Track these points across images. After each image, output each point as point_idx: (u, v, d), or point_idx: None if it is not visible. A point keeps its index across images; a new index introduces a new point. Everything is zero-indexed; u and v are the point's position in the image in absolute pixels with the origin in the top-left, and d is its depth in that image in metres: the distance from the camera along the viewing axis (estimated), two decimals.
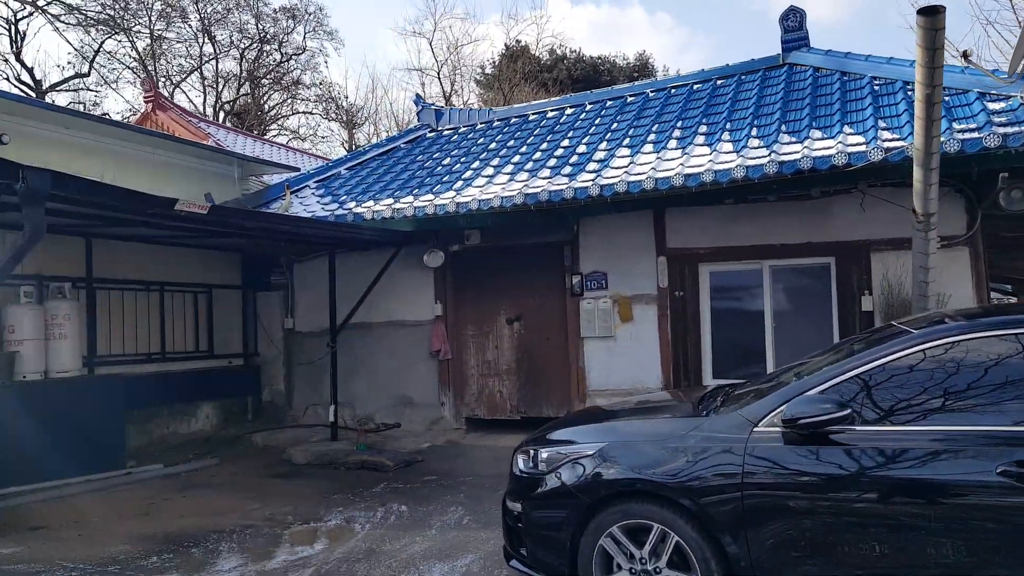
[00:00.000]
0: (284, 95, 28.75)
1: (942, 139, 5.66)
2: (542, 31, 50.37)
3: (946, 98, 6.75)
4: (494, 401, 9.34)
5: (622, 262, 8.35)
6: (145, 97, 15.51)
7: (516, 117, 10.86)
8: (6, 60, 22.78)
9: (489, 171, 8.96)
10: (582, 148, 8.68)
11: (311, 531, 5.59)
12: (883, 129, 6.62)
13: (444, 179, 9.18)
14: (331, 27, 31.55)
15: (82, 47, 23.89)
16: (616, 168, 7.71)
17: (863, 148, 6.35)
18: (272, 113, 28.61)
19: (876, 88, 7.62)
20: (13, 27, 21.88)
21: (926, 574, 2.98)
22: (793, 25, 9.10)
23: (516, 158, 9.14)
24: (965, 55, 6.69)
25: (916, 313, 6.22)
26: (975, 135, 6.02)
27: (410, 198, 8.80)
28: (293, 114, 29.46)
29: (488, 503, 6.13)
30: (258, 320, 10.89)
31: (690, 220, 7.99)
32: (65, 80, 23.98)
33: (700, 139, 7.76)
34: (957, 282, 6.79)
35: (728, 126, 7.85)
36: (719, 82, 9.40)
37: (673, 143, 7.89)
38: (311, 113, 29.65)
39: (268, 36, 27.07)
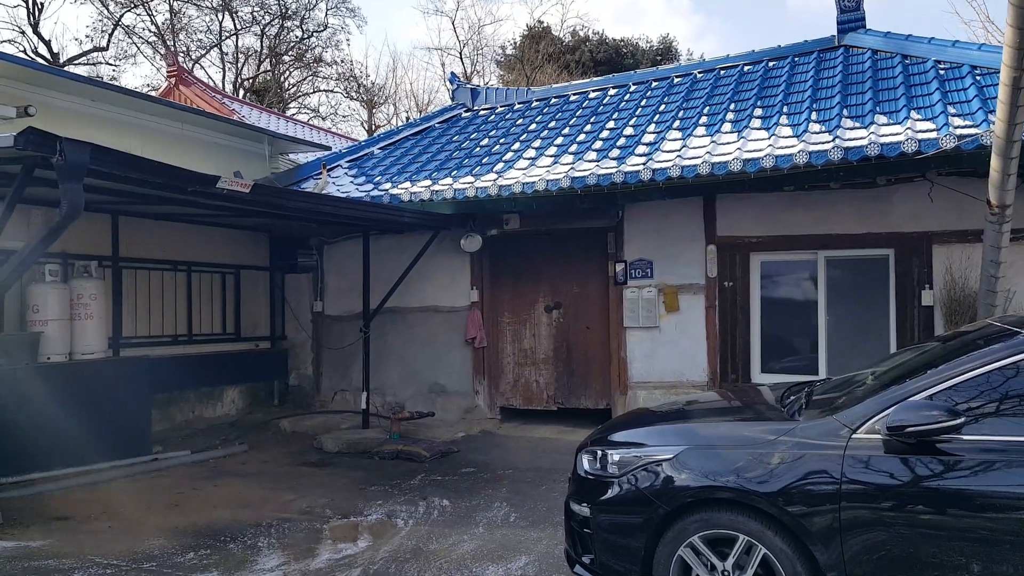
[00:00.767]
0: (305, 72, 28.45)
1: None
2: (567, 11, 49.80)
3: None
4: (530, 391, 9.07)
5: (669, 250, 8.02)
6: (168, 72, 15.24)
7: (556, 98, 10.49)
8: (23, 32, 22.60)
9: (531, 153, 8.63)
10: (629, 131, 8.32)
11: (352, 526, 5.35)
12: (953, 115, 6.24)
13: (484, 161, 8.86)
14: (353, 4, 31.18)
15: (101, 20, 23.67)
16: (668, 152, 7.36)
17: (934, 135, 5.98)
18: (292, 91, 28.32)
19: (941, 72, 7.21)
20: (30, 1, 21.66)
21: None
22: (850, 5, 8.67)
23: (559, 140, 8.80)
24: None
25: (982, 309, 5.90)
26: None
27: (449, 180, 8.49)
28: (314, 92, 29.18)
29: (533, 499, 5.88)
30: (286, 303, 10.67)
31: (742, 207, 7.64)
32: (83, 54, 23.80)
33: (756, 123, 7.38)
34: (1020, 276, 6.41)
35: (785, 109, 7.47)
36: (771, 64, 8.99)
37: (727, 127, 7.52)
38: (332, 91, 29.36)
39: (290, 12, 26.72)
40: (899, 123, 6.41)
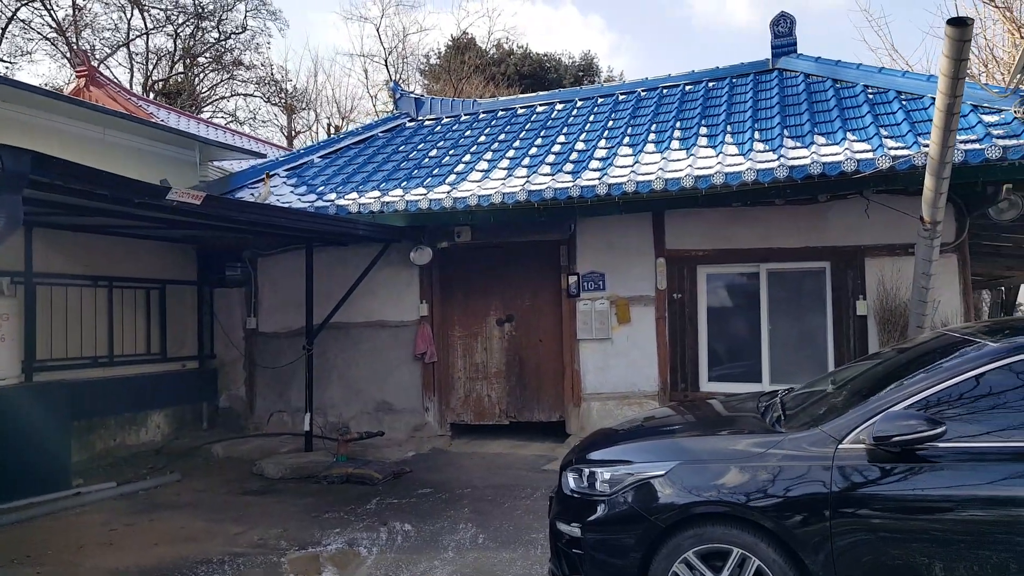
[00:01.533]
0: (222, 75, 27.26)
1: None
2: (493, 24, 50.17)
3: None
4: (482, 406, 8.93)
5: (620, 263, 8.11)
6: (78, 71, 14.19)
7: (503, 110, 10.47)
8: None
9: (483, 165, 8.55)
10: (580, 145, 8.39)
11: (312, 558, 5.07)
12: (886, 137, 6.63)
13: (434, 172, 8.70)
14: (274, 6, 30.21)
15: None
16: (621, 167, 7.46)
17: (870, 155, 6.33)
18: (207, 94, 27.07)
19: (871, 96, 7.66)
20: None
21: None
22: (783, 31, 9.10)
23: (511, 153, 8.76)
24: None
25: (914, 318, 6.27)
26: (976, 146, 6.09)
27: (399, 191, 8.28)
28: (232, 96, 28.00)
29: (498, 518, 5.76)
30: (215, 319, 10.09)
31: (689, 222, 7.83)
32: None
33: (703, 140, 7.60)
34: (946, 288, 6.88)
35: (729, 128, 7.72)
36: (711, 84, 9.30)
37: (676, 144, 7.70)
38: (252, 95, 28.26)
39: (206, 12, 25.58)
40: (837, 143, 6.74)
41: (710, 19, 49.82)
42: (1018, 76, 6.63)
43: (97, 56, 24.29)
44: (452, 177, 8.42)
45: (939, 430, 2.92)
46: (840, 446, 3.12)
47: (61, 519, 6.10)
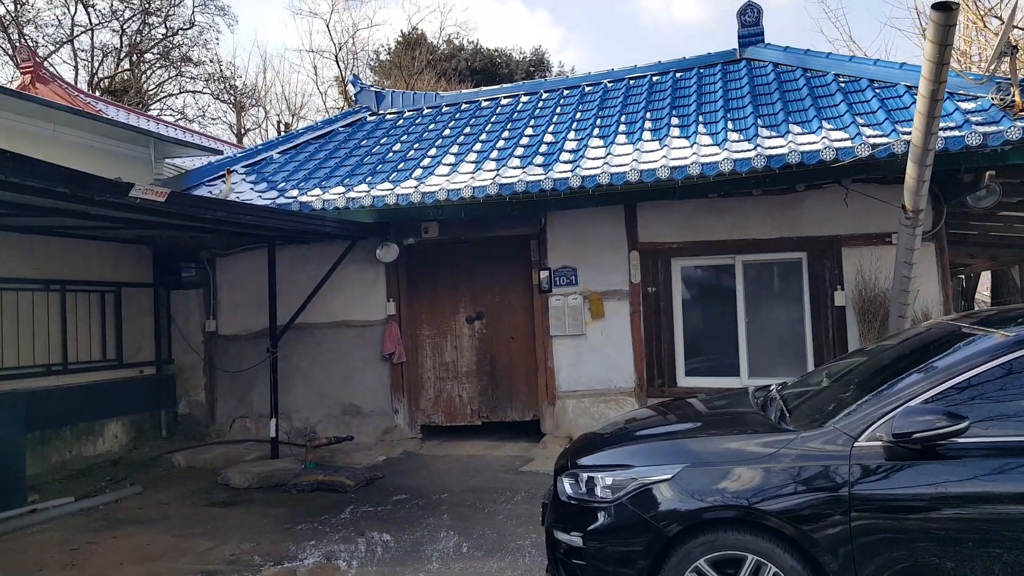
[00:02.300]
0: (170, 72, 26.33)
1: None
2: (445, 19, 49.58)
3: (916, 96, 6.86)
4: (453, 406, 8.73)
5: (593, 257, 7.98)
6: (22, 67, 13.44)
7: (467, 103, 10.23)
8: None
9: (450, 159, 8.31)
10: (549, 138, 8.21)
11: (289, 573, 4.82)
12: (863, 126, 6.60)
13: (399, 167, 8.43)
14: (223, 2, 29.29)
15: None
16: (593, 159, 7.31)
17: (848, 144, 6.29)
18: (154, 92, 26.11)
19: (843, 85, 7.65)
20: None
21: None
22: (750, 20, 9.07)
23: (477, 146, 8.54)
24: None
25: (895, 308, 6.27)
26: (956, 133, 6.09)
27: (364, 187, 8.00)
28: (181, 93, 27.07)
29: (479, 525, 5.59)
30: (172, 322, 9.66)
31: (662, 214, 7.74)
32: None
33: (675, 131, 7.50)
34: (925, 277, 6.89)
35: (701, 119, 7.64)
36: (678, 75, 9.22)
37: (648, 135, 7.59)
38: (200, 92, 27.38)
39: (152, 8, 24.62)
40: (813, 132, 6.71)
41: (657, 15, 50.33)
42: (995, 63, 6.67)
43: (40, 53, 23.18)
44: (418, 171, 8.17)
45: (962, 425, 2.83)
46: (856, 444, 3.02)
47: (17, 539, 5.72)
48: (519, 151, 8.05)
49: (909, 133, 6.05)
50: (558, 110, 9.11)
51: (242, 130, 27.63)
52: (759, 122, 7.18)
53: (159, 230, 7.11)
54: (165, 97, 26.66)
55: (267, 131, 28.05)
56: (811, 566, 3.00)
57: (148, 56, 25.52)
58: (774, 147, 6.57)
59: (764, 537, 3.07)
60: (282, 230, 7.24)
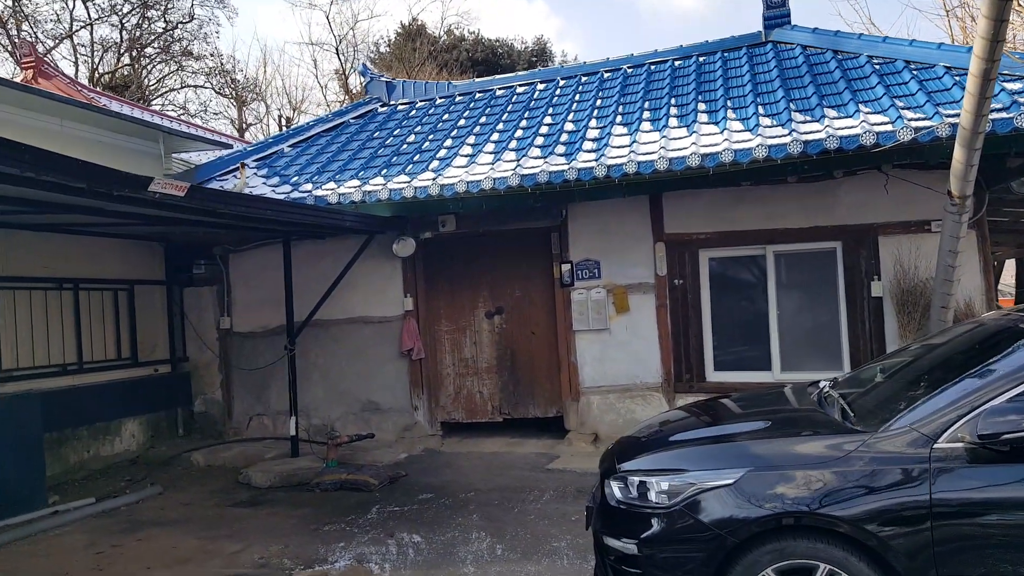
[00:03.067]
0: (170, 67, 26.10)
1: None
2: (447, 8, 49.14)
3: (957, 77, 6.63)
4: (473, 403, 8.56)
5: (616, 249, 7.78)
6: (24, 62, 13.25)
7: (481, 92, 10.01)
8: None
9: (467, 150, 8.10)
10: (569, 126, 7.99)
11: None
12: (903, 108, 6.35)
13: (415, 159, 8.23)
14: None
15: None
16: (618, 148, 7.09)
17: (889, 128, 6.05)
18: (155, 87, 25.90)
19: (877, 67, 7.40)
20: None
21: None
22: (776, 1, 8.80)
23: (495, 136, 8.32)
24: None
25: (937, 299, 6.04)
26: (1004, 115, 5.84)
27: (380, 180, 7.81)
28: (183, 87, 26.85)
29: (511, 525, 5.42)
30: (186, 320, 9.51)
31: (688, 204, 7.52)
32: None
33: (703, 117, 7.27)
34: (967, 266, 6.62)
35: (729, 104, 7.41)
36: (701, 59, 8.98)
37: (674, 121, 7.36)
38: (202, 87, 27.16)
39: (151, 1, 24.36)
40: (850, 116, 6.47)
41: (656, 5, 49.75)
42: None
43: (39, 49, 22.96)
44: (435, 163, 7.97)
45: None
46: (936, 445, 2.84)
47: (40, 542, 5.59)
48: (539, 140, 7.84)
49: (953, 116, 5.84)
50: (577, 97, 8.88)
51: (244, 125, 27.43)
52: (792, 106, 6.94)
53: (173, 226, 6.94)
54: (166, 92, 26.49)
55: (268, 126, 27.86)
56: (887, 575, 2.83)
57: (148, 51, 25.32)
58: (810, 132, 6.33)
59: (837, 545, 2.90)
60: (299, 225, 7.06)
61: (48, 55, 22.84)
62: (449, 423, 8.68)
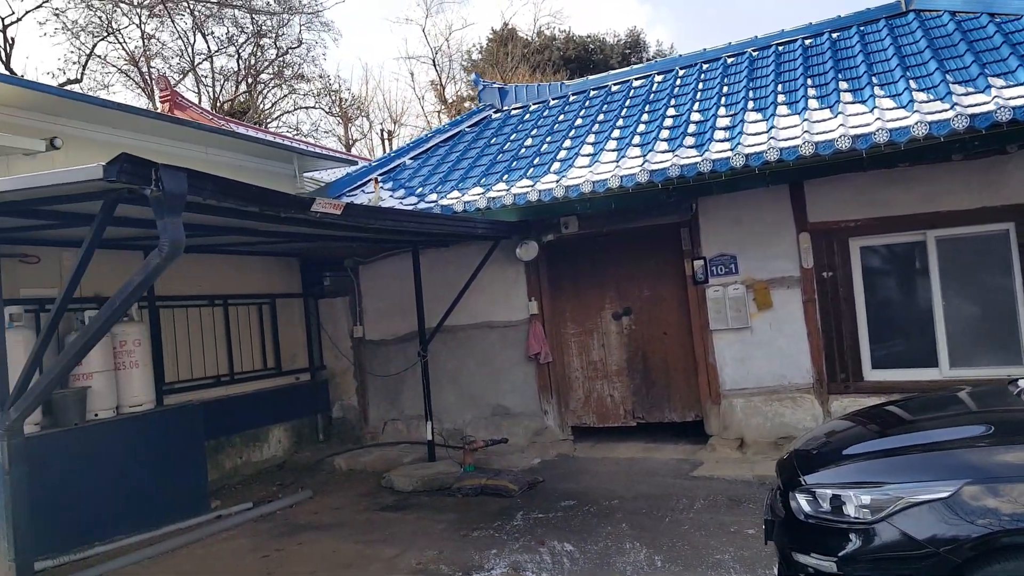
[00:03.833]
0: (283, 90, 27.62)
1: None
2: (539, 10, 49.25)
3: None
4: (604, 407, 8.39)
5: (753, 242, 7.38)
6: (161, 96, 14.42)
7: (595, 90, 9.84)
8: None
9: (588, 150, 7.96)
10: (696, 116, 7.67)
11: None
12: None
13: (535, 162, 8.18)
14: (327, 17, 30.39)
15: (72, 52, 22.77)
16: (754, 135, 6.72)
17: None
18: (270, 110, 27.48)
19: None
20: (1, 34, 20.72)
21: None
22: None
23: (615, 133, 8.13)
24: None
25: None
26: None
27: (502, 185, 7.81)
28: (296, 109, 28.32)
29: (666, 536, 5.21)
30: (322, 330, 9.94)
31: (834, 189, 7.01)
32: (59, 87, 22.78)
33: (847, 96, 6.76)
34: None
35: (875, 80, 6.85)
36: (834, 35, 8.39)
37: (814, 103, 6.89)
38: (313, 107, 28.54)
39: (264, 30, 25.89)
40: (1021, 84, 5.80)
41: None
42: None
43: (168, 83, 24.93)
44: (556, 165, 7.87)
45: None
46: None
47: (210, 546, 5.95)
48: (664, 134, 7.56)
49: None
50: (700, 86, 8.53)
51: (350, 141, 28.54)
52: (948, 78, 6.33)
53: (313, 242, 7.24)
54: (281, 115, 28.05)
55: (372, 141, 28.83)
56: None
57: (263, 76, 26.90)
58: (976, 104, 5.73)
59: None
60: (430, 234, 7.18)
61: (176, 87, 24.83)
62: (579, 427, 8.55)
